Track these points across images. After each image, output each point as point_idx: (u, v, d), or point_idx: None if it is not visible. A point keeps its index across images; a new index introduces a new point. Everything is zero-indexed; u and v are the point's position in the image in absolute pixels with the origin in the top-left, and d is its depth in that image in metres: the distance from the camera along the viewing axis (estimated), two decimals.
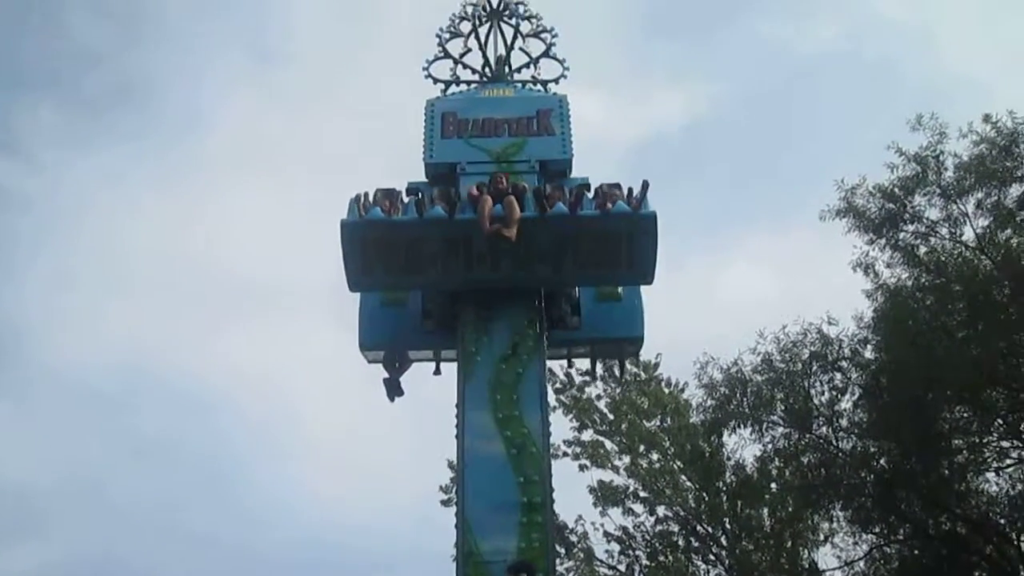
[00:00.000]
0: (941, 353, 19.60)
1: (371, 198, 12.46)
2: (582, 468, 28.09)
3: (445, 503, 25.89)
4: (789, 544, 26.86)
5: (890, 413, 20.03)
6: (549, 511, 12.36)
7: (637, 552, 28.58)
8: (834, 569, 24.77)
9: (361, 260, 12.15)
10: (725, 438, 25.13)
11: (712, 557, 28.13)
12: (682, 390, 29.43)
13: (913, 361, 19.64)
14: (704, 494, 28.12)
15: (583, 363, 27.77)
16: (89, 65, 73.50)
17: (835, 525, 24.87)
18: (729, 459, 27.43)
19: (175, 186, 62.74)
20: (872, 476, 20.99)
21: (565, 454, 28.16)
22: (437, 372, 13.75)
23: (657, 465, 28.77)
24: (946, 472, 20.49)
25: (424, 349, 13.67)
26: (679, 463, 28.77)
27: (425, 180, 13.70)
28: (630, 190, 12.49)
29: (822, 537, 26.25)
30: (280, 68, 70.28)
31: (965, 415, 20.88)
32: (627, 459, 28.79)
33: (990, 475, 21.37)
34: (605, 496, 28.38)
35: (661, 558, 28.19)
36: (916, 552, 20.85)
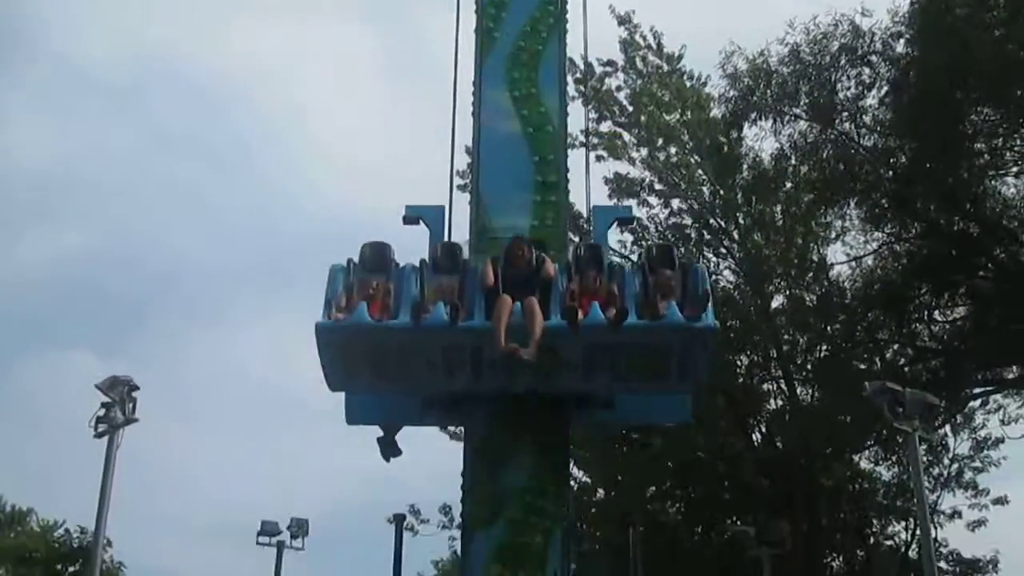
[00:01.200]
0: (976, 49, 18.88)
1: (353, 285, 10.33)
2: (599, 159, 27.88)
3: (462, 188, 25.87)
4: (800, 241, 27.13)
5: (915, 110, 19.56)
6: (563, 191, 12.36)
7: (649, 243, 28.87)
8: (842, 263, 25.12)
9: (342, 366, 10.18)
10: (744, 131, 24.83)
11: (723, 250, 28.46)
12: (704, 84, 28.69)
13: (946, 57, 19.00)
14: (719, 188, 28.05)
15: (604, 52, 27.45)
16: None
17: (847, 223, 25.08)
18: (747, 154, 27.32)
19: None
20: (891, 173, 20.80)
21: (582, 144, 27.91)
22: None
23: (674, 159, 28.57)
24: (965, 173, 20.28)
25: (424, 425, 12.47)
26: (696, 157, 28.54)
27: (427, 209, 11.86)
28: (683, 267, 10.70)
29: (833, 235, 26.54)
30: None
31: (992, 116, 20.44)
32: (644, 152, 28.54)
33: (1009, 179, 21.26)
34: (620, 188, 28.38)
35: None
36: (926, 251, 20.97)
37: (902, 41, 20.93)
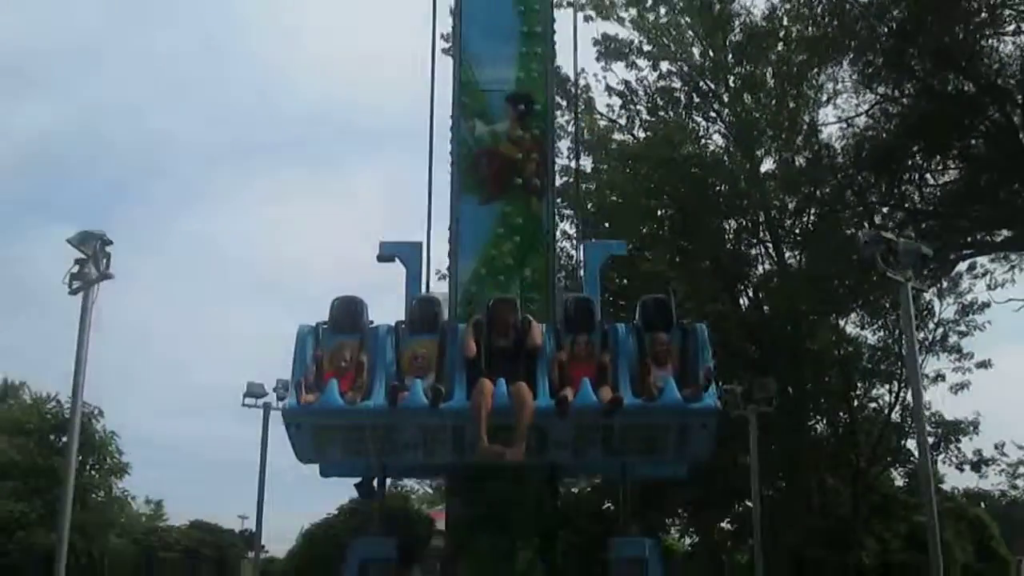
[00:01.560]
0: None
1: (322, 357, 9.77)
2: (587, 19, 27.18)
3: (446, 51, 25.19)
4: (791, 104, 26.66)
5: None
6: (549, 42, 12.04)
7: (638, 107, 28.46)
8: (833, 123, 24.73)
9: (312, 445, 9.61)
10: None
11: (713, 114, 28.03)
12: None
13: None
14: (709, 49, 27.52)
15: None
16: None
17: (840, 85, 24.62)
18: (738, 13, 26.67)
19: None
20: (886, 30, 20.19)
21: (569, 4, 27.13)
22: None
23: (664, 19, 27.91)
24: (961, 32, 19.72)
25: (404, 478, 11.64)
26: (687, 18, 27.89)
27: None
28: (681, 327, 10.09)
29: (825, 98, 26.06)
30: None
31: None
32: (633, 12, 27.87)
33: (1007, 38, 20.62)
34: (609, 49, 27.76)
35: (661, 113, 28.07)
36: (920, 111, 20.49)
37: None
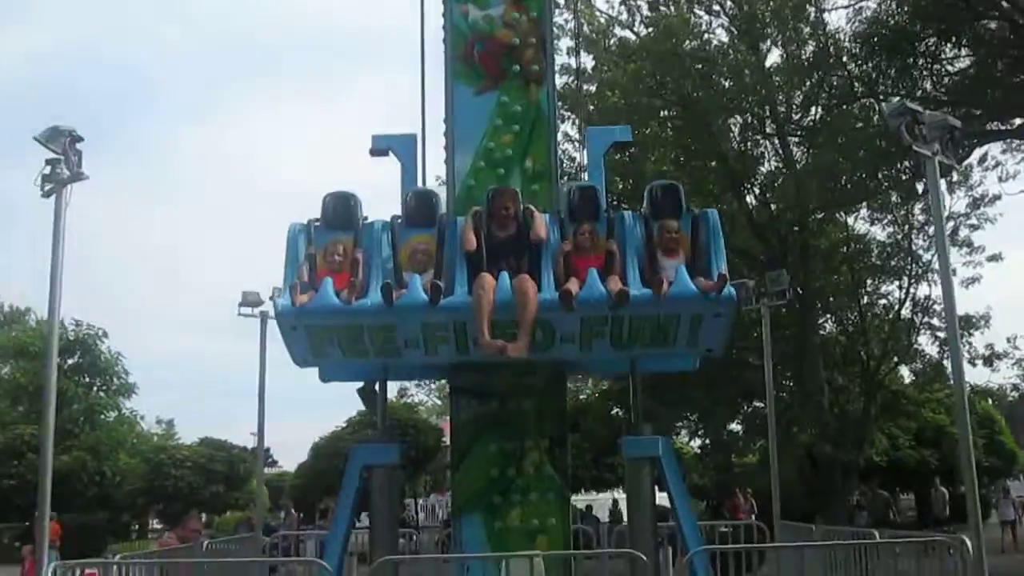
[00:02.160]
0: None
1: (315, 255, 9.30)
2: None
3: None
4: None
5: None
6: None
7: (639, 1, 27.57)
8: (840, 8, 23.83)
9: (309, 347, 9.21)
10: None
11: (716, 7, 27.10)
12: None
13: None
14: None
15: None
16: None
17: None
18: None
19: None
20: None
21: None
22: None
23: None
24: None
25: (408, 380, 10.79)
26: None
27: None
28: (692, 217, 9.47)
29: None
30: None
31: None
32: None
33: None
34: None
35: (663, 8, 27.18)
36: None
37: None
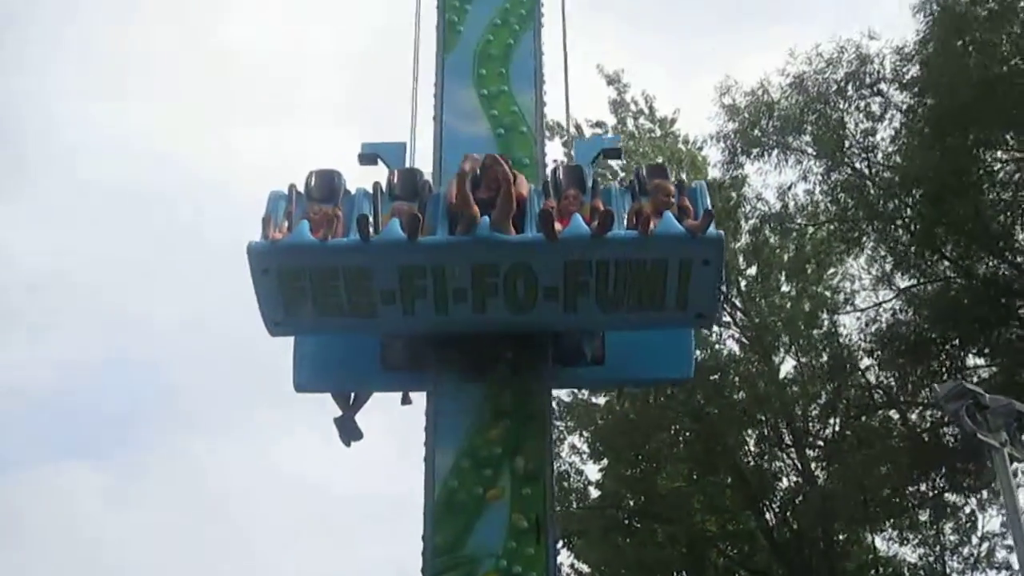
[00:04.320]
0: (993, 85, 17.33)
1: (293, 203, 9.03)
2: None
3: None
4: (807, 307, 25.62)
5: (935, 132, 17.86)
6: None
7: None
8: (851, 312, 23.39)
9: (280, 298, 8.67)
10: (745, 184, 23.25)
11: (726, 319, 26.77)
12: (700, 148, 27.41)
13: (960, 98, 17.39)
14: None
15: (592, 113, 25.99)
16: None
17: (857, 284, 23.67)
18: (748, 215, 25.79)
19: None
20: (908, 210, 19.08)
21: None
22: (406, 402, 10.31)
23: None
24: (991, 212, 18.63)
25: (385, 391, 10.34)
26: None
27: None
28: (679, 185, 9.14)
29: (842, 298, 25.03)
30: None
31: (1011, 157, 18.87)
32: None
33: None
34: None
35: None
36: (952, 293, 19.09)
37: (914, 64, 19.30)
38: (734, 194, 25.35)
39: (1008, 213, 18.69)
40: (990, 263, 19.08)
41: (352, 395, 10.01)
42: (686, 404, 24.64)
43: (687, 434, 25.57)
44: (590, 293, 8.52)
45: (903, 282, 20.66)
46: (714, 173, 25.19)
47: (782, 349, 25.46)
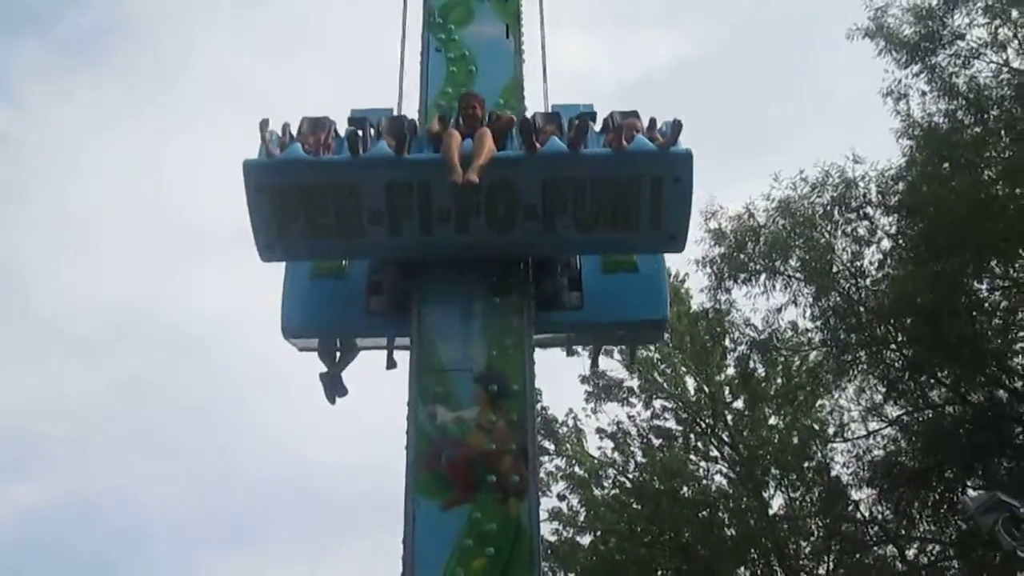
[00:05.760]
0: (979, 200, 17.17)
1: (291, 129, 9.32)
2: (572, 353, 25.83)
3: None
4: (795, 440, 24.99)
5: (919, 272, 17.63)
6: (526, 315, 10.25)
7: (632, 449, 26.64)
8: (841, 443, 22.78)
9: (273, 218, 8.92)
10: (731, 312, 22.93)
11: (713, 454, 26.15)
12: (683, 281, 27.20)
13: (947, 223, 17.23)
14: (704, 385, 26.11)
15: None
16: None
17: (846, 416, 23.13)
18: (732, 348, 25.36)
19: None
20: (900, 335, 18.69)
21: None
22: (391, 365, 10.43)
23: (655, 355, 26.61)
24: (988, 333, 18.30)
25: (372, 336, 10.37)
26: (679, 356, 26.66)
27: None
28: (652, 121, 9.51)
29: (831, 431, 24.46)
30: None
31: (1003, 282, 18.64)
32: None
33: None
34: (599, 386, 26.41)
35: (658, 455, 26.18)
36: (947, 421, 18.54)
37: (900, 186, 19.14)
38: (718, 329, 25.10)
39: (1001, 340, 18.28)
40: (985, 388, 18.59)
41: (338, 352, 10.21)
42: (674, 542, 23.80)
43: (675, 573, 24.66)
44: (567, 212, 8.94)
45: (894, 411, 20.13)
46: (701, 299, 25.03)
47: (772, 483, 24.78)
